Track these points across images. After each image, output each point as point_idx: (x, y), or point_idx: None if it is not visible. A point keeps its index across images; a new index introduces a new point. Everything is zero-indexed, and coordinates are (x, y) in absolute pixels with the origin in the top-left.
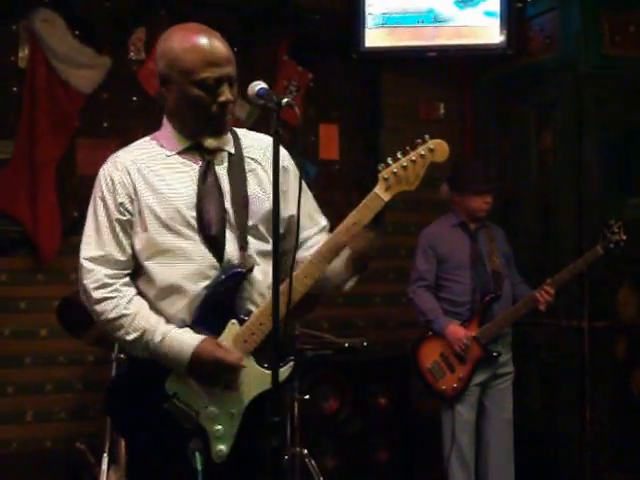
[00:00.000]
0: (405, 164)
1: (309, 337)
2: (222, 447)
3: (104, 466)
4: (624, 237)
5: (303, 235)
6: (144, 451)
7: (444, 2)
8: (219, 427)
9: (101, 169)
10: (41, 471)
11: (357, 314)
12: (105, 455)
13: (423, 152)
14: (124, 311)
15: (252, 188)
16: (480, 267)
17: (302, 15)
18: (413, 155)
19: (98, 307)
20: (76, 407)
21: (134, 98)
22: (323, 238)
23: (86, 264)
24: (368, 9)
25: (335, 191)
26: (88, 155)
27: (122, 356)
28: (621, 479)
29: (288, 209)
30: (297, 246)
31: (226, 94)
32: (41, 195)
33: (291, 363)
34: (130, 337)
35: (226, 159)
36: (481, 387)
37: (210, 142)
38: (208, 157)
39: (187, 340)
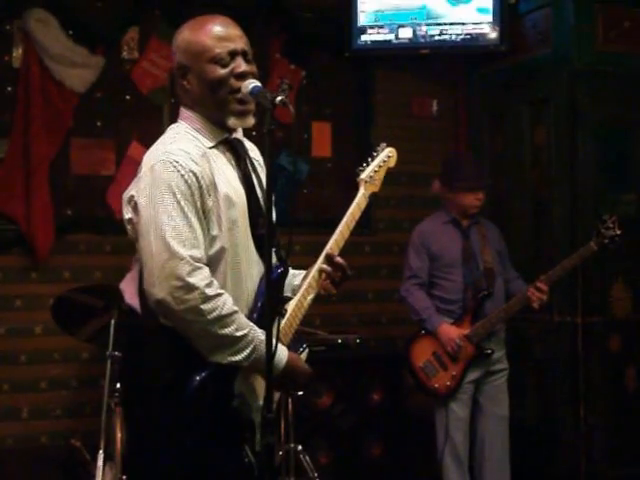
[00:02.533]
0: (376, 169)
1: (302, 334)
2: (259, 436)
3: (99, 463)
4: (619, 232)
5: None
6: (198, 453)
7: None
8: (260, 418)
9: (174, 163)
10: (37, 468)
11: (350, 310)
12: (100, 452)
13: (385, 158)
14: (235, 307)
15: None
16: (472, 264)
17: (294, 13)
18: (380, 161)
19: (209, 304)
20: (71, 404)
21: (127, 97)
22: None
23: (193, 264)
24: (360, 6)
25: (327, 189)
26: (82, 154)
27: (117, 353)
28: (615, 474)
29: None
30: None
31: (242, 66)
32: (35, 194)
33: (307, 349)
34: (240, 333)
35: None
36: (475, 384)
37: (233, 121)
38: (244, 155)
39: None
